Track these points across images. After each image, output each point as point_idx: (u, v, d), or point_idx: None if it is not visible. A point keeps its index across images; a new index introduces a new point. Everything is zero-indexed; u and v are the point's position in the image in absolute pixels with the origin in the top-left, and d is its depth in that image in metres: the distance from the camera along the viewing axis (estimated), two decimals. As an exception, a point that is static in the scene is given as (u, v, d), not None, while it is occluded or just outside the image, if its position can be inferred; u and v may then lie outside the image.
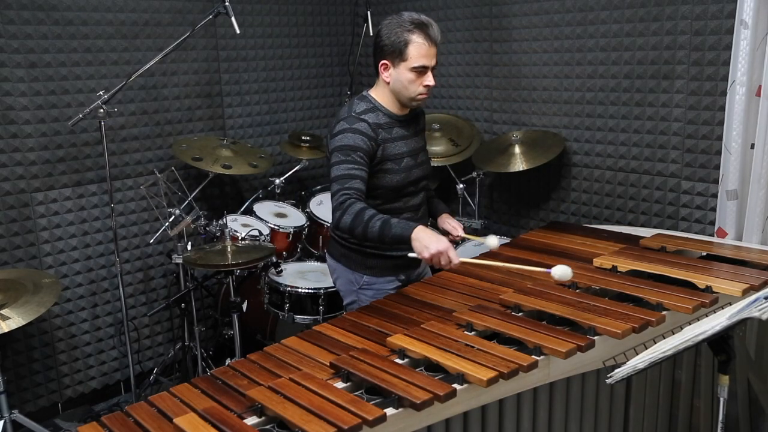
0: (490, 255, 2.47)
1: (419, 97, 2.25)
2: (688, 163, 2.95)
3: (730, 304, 1.80)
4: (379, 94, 2.30)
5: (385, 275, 2.38)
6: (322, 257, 3.52)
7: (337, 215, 2.12)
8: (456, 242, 2.56)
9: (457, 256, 2.00)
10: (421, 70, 2.19)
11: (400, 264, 2.37)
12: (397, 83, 2.23)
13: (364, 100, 2.31)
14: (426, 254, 1.99)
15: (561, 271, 1.91)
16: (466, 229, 3.26)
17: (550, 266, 1.95)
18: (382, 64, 2.23)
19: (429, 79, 2.21)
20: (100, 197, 3.39)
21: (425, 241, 2.00)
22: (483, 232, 3.55)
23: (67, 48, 3.21)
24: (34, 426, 2.88)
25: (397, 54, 2.18)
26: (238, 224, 3.33)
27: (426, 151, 2.46)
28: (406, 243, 2.04)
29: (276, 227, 3.37)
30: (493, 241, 2.27)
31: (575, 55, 3.26)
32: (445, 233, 2.44)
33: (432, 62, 2.21)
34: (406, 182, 2.32)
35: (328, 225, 3.40)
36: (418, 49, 2.16)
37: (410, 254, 2.05)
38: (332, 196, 2.16)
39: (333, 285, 3.13)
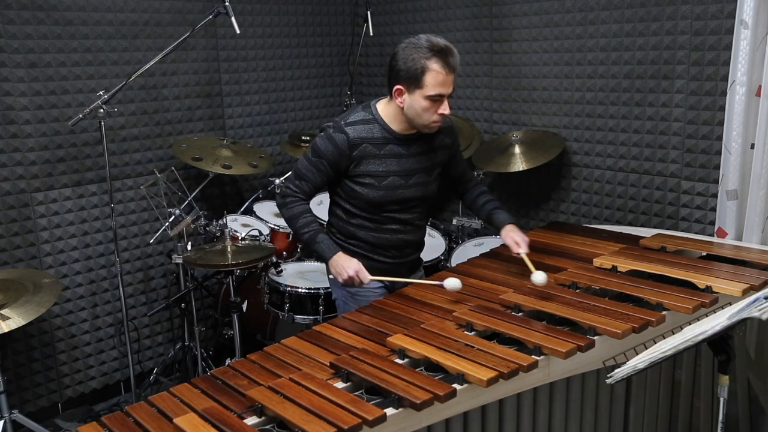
0: (491, 258, 2.46)
1: (433, 124, 2.19)
2: (688, 163, 2.95)
3: (730, 304, 1.80)
4: (386, 110, 2.25)
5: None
6: (322, 257, 3.52)
7: (279, 203, 2.36)
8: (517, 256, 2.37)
9: (367, 277, 2.22)
10: (437, 99, 2.12)
11: (383, 268, 2.38)
12: (410, 110, 2.16)
13: (366, 110, 2.26)
14: (341, 279, 2.25)
15: (452, 283, 2.15)
16: (465, 230, 3.22)
17: (552, 270, 1.98)
18: (396, 90, 2.15)
19: (444, 108, 2.14)
20: (100, 197, 3.39)
21: (338, 268, 2.24)
22: (484, 232, 3.56)
23: (67, 48, 3.21)
24: (34, 426, 2.88)
25: (413, 81, 2.10)
26: (238, 224, 3.33)
27: (429, 173, 2.35)
28: (325, 262, 2.31)
29: (276, 227, 3.37)
30: (539, 278, 2.11)
31: (575, 55, 3.26)
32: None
33: (449, 90, 2.13)
34: (386, 200, 2.28)
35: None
36: (435, 78, 2.08)
37: (329, 276, 2.37)
38: (286, 181, 2.41)
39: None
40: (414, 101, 2.14)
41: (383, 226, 2.35)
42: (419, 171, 2.32)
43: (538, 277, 2.10)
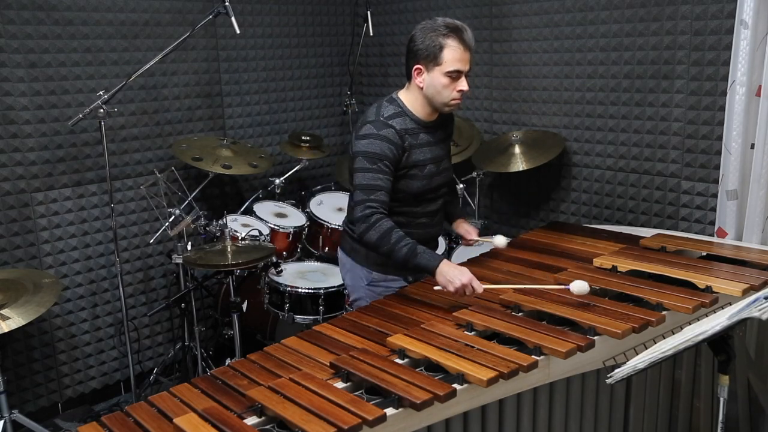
0: (492, 258, 2.47)
1: (452, 102, 2.22)
2: (688, 163, 2.95)
3: (730, 304, 1.80)
4: (408, 98, 2.28)
5: (392, 273, 2.38)
6: (322, 257, 3.52)
7: (362, 228, 2.16)
8: (469, 245, 2.63)
9: (481, 286, 2.07)
10: (455, 75, 2.17)
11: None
12: (430, 88, 2.20)
13: (393, 103, 2.28)
14: (451, 288, 2.07)
15: (579, 287, 1.98)
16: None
17: (553, 270, 2.02)
18: (416, 69, 2.21)
19: (463, 84, 2.19)
20: (100, 197, 3.39)
21: (449, 276, 2.07)
22: (484, 232, 3.55)
23: (67, 48, 3.21)
24: (34, 426, 2.87)
25: (432, 58, 2.16)
26: (238, 224, 3.33)
27: (449, 159, 2.44)
28: (430, 274, 2.13)
29: (276, 227, 3.37)
30: (500, 241, 2.45)
31: (575, 55, 3.26)
32: (458, 236, 2.58)
33: (466, 67, 2.19)
34: (427, 189, 2.31)
35: (328, 225, 3.40)
36: (453, 53, 2.14)
37: (435, 288, 2.13)
38: (356, 205, 2.18)
39: (334, 285, 3.18)
40: (433, 79, 2.18)
41: (415, 221, 2.35)
42: (444, 157, 2.39)
43: (499, 240, 2.34)
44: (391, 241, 2.11)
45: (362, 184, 2.17)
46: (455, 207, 2.63)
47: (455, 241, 3.54)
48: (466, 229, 2.52)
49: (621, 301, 2.04)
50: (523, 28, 3.45)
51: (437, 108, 2.27)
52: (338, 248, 2.53)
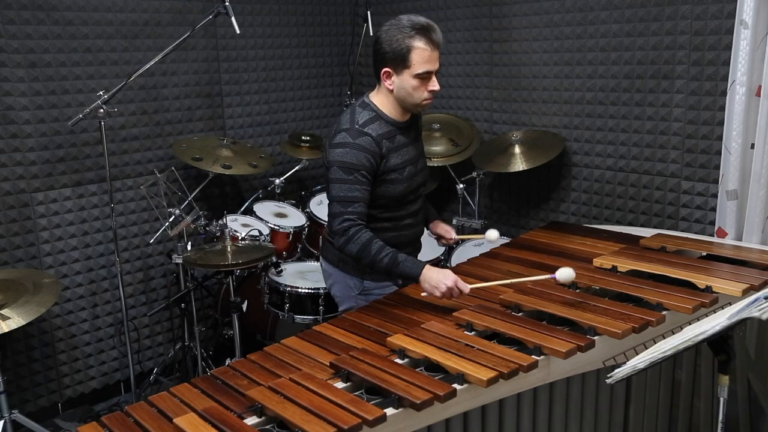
0: (491, 258, 2.47)
1: (424, 102, 2.19)
2: (688, 163, 2.95)
3: (730, 304, 1.80)
4: (380, 100, 2.23)
5: (384, 280, 2.36)
6: (322, 257, 3.52)
7: (341, 241, 2.14)
8: (451, 246, 2.62)
9: (467, 286, 2.05)
10: (425, 76, 2.13)
11: None
12: (401, 91, 2.16)
13: (367, 108, 2.22)
14: (437, 293, 2.05)
15: (565, 274, 1.98)
16: (465, 230, 3.26)
17: (552, 270, 2.02)
18: (385, 72, 2.16)
19: (434, 85, 2.15)
20: (100, 197, 3.39)
21: (434, 281, 2.05)
22: (483, 233, 3.55)
23: (67, 48, 3.21)
24: (34, 426, 2.88)
25: (400, 61, 2.11)
26: (238, 224, 3.33)
27: (424, 157, 2.41)
28: (414, 281, 2.12)
29: (276, 227, 3.37)
30: (493, 235, 2.40)
31: (575, 55, 3.26)
32: (438, 237, 2.55)
33: (435, 66, 2.14)
34: (408, 191, 2.28)
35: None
36: (421, 55, 2.09)
37: (422, 294, 2.12)
38: (333, 217, 2.17)
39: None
40: (403, 81, 2.15)
41: (401, 223, 2.33)
42: (420, 156, 2.37)
43: (492, 234, 2.35)
44: (372, 253, 2.10)
45: (339, 196, 2.14)
46: (429, 209, 2.57)
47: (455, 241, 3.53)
48: (445, 229, 2.51)
49: (621, 301, 2.04)
50: (523, 28, 3.45)
51: (409, 109, 2.24)
52: (321, 258, 2.48)
